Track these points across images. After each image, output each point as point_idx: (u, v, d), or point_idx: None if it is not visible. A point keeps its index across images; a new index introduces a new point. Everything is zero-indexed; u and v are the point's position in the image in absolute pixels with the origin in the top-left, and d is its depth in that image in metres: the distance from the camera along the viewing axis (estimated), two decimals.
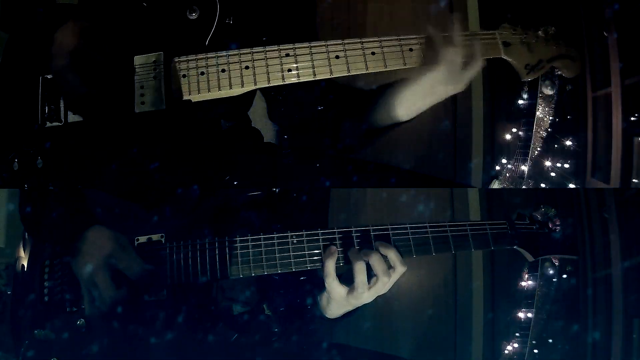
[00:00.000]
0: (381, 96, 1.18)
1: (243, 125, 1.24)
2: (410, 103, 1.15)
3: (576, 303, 2.15)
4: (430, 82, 1.10)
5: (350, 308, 1.10)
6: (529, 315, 2.00)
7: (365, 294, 1.04)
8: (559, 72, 1.21)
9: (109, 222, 1.08)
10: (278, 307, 1.17)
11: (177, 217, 1.12)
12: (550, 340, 2.01)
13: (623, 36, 1.89)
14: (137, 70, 1.05)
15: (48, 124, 1.06)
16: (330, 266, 1.04)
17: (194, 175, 1.11)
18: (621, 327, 1.86)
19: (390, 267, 1.04)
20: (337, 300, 1.07)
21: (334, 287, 1.04)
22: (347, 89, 1.27)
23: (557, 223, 1.16)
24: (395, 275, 1.04)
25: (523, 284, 2.08)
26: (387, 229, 1.08)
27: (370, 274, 1.04)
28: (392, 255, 1.04)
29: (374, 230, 1.08)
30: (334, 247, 1.05)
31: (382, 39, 1.09)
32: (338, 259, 1.05)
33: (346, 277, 1.05)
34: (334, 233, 1.07)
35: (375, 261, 1.03)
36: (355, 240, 1.07)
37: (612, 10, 1.91)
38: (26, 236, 1.17)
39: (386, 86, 1.18)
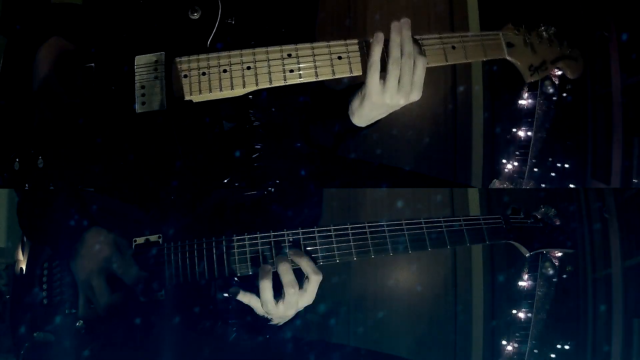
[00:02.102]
0: (339, 103, 1.19)
1: (245, 126, 1.24)
2: (363, 113, 1.14)
3: (576, 303, 2.16)
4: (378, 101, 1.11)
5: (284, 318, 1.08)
6: (529, 315, 2.00)
7: (274, 310, 1.02)
8: (561, 73, 1.20)
9: (107, 223, 1.07)
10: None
11: (174, 218, 1.11)
12: (550, 340, 2.01)
13: (623, 36, 1.89)
14: (138, 70, 1.04)
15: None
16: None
17: (194, 176, 1.11)
18: (621, 327, 1.87)
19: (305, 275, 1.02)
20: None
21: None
22: (320, 92, 1.27)
23: (557, 218, 1.16)
24: (312, 285, 1.02)
25: (523, 283, 2.08)
26: (382, 226, 1.08)
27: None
28: (304, 264, 1.02)
29: (370, 227, 1.08)
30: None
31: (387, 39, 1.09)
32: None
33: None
34: (329, 230, 1.07)
35: (282, 272, 1.01)
36: (351, 237, 1.07)
37: (612, 10, 1.91)
38: (25, 237, 1.17)
39: (346, 92, 1.18)
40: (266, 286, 1.01)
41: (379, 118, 1.16)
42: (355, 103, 1.13)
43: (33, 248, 1.15)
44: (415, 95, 1.08)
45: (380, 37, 1.06)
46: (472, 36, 1.14)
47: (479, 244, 1.12)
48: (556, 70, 1.20)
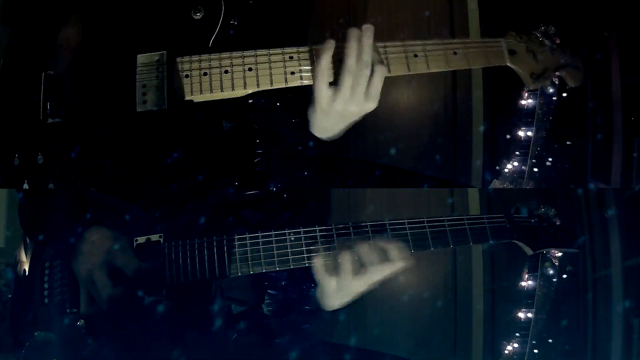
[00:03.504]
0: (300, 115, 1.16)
1: (244, 126, 1.24)
2: (316, 123, 1.11)
3: (576, 303, 2.16)
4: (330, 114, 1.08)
5: (346, 298, 1.09)
6: (529, 315, 2.00)
7: (353, 284, 1.04)
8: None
9: (107, 222, 1.08)
10: (276, 304, 1.17)
11: (175, 217, 1.12)
12: (550, 340, 2.01)
13: (623, 36, 1.89)
14: (139, 69, 1.04)
15: (49, 120, 1.05)
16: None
17: (194, 175, 1.11)
18: (621, 327, 1.87)
19: (386, 259, 1.04)
20: None
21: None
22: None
23: (557, 218, 1.16)
24: (393, 267, 1.04)
25: (523, 283, 2.08)
26: (384, 225, 1.08)
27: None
28: (392, 250, 1.04)
29: (372, 227, 1.08)
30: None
31: (387, 44, 1.09)
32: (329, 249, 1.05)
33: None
34: (331, 230, 1.07)
35: (363, 253, 1.03)
36: (353, 237, 1.07)
37: (612, 10, 1.91)
38: (26, 237, 1.17)
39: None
40: (347, 257, 1.02)
41: (338, 129, 1.12)
42: (310, 111, 1.10)
43: (34, 247, 1.15)
44: (371, 105, 1.05)
45: (331, 43, 1.04)
46: (474, 42, 1.15)
47: (482, 243, 1.12)
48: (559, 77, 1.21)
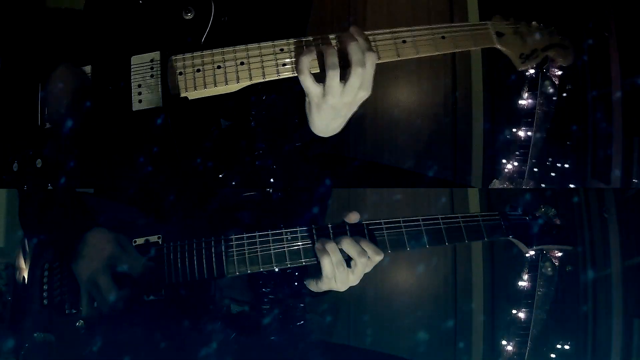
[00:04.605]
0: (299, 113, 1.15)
1: (243, 124, 1.25)
2: (314, 120, 1.09)
3: (576, 303, 2.16)
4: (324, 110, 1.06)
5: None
6: (529, 315, 2.00)
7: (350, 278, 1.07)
8: (556, 64, 1.21)
9: (107, 224, 1.08)
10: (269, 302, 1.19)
11: (173, 218, 1.12)
12: (550, 340, 2.01)
13: (623, 36, 1.89)
14: (134, 69, 1.05)
15: (47, 125, 1.06)
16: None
17: (192, 174, 1.11)
18: (621, 327, 1.87)
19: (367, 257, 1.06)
20: None
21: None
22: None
23: (557, 218, 1.17)
24: (371, 264, 1.07)
25: (523, 283, 2.08)
26: (380, 224, 1.09)
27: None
28: (365, 246, 1.05)
29: (368, 225, 1.08)
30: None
31: (376, 32, 1.09)
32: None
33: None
34: (327, 229, 1.08)
35: (348, 246, 1.04)
36: (349, 236, 1.07)
37: (612, 10, 1.91)
38: (26, 238, 1.17)
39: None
40: (334, 251, 1.05)
41: (336, 124, 1.11)
42: (306, 109, 1.09)
43: (34, 248, 1.15)
44: (364, 94, 1.03)
45: (309, 50, 1.02)
46: (461, 26, 1.15)
47: (477, 240, 1.13)
48: (555, 70, 1.21)
